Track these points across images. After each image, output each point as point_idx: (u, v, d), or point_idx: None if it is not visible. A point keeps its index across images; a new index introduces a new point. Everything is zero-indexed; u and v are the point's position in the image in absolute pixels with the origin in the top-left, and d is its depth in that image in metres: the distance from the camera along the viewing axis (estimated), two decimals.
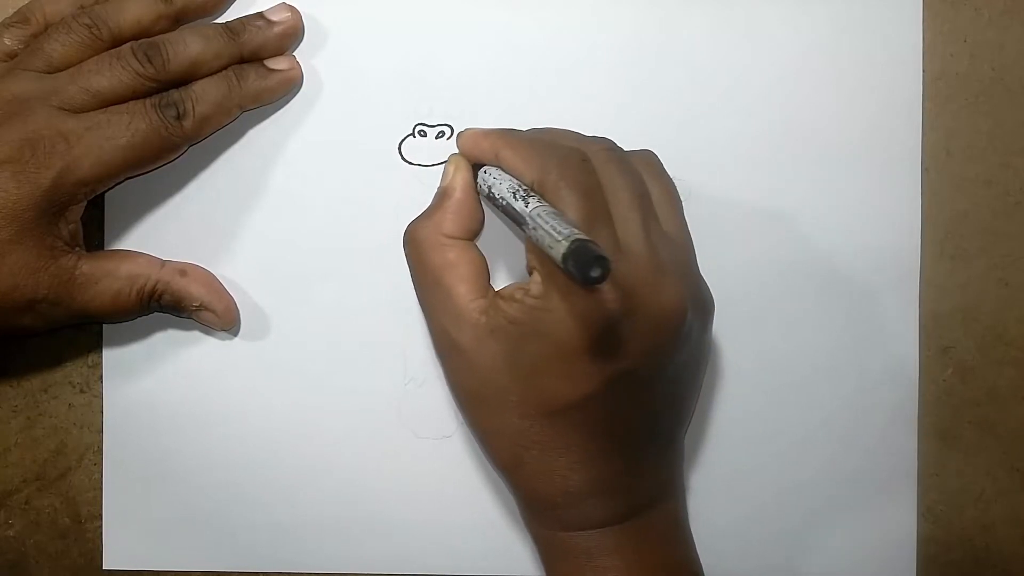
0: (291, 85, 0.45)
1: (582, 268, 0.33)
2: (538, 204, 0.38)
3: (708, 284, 0.41)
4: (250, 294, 0.46)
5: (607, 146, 0.41)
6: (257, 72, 0.44)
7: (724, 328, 0.46)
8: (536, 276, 0.39)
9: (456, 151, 0.44)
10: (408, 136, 0.46)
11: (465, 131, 0.43)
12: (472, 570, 0.47)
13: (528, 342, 0.39)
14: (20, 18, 0.44)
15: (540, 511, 0.42)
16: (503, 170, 0.41)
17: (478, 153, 0.42)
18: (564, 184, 0.38)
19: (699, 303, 0.40)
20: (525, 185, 0.40)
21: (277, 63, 0.45)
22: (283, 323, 0.46)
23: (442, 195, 0.43)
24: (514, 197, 0.39)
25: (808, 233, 0.46)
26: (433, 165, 0.46)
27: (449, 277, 0.41)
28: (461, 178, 0.43)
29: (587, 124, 0.45)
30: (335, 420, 0.46)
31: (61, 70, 0.42)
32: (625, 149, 0.42)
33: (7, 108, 0.41)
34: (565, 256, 0.34)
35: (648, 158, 0.42)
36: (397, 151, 0.46)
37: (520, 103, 0.46)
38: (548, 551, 0.42)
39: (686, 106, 0.46)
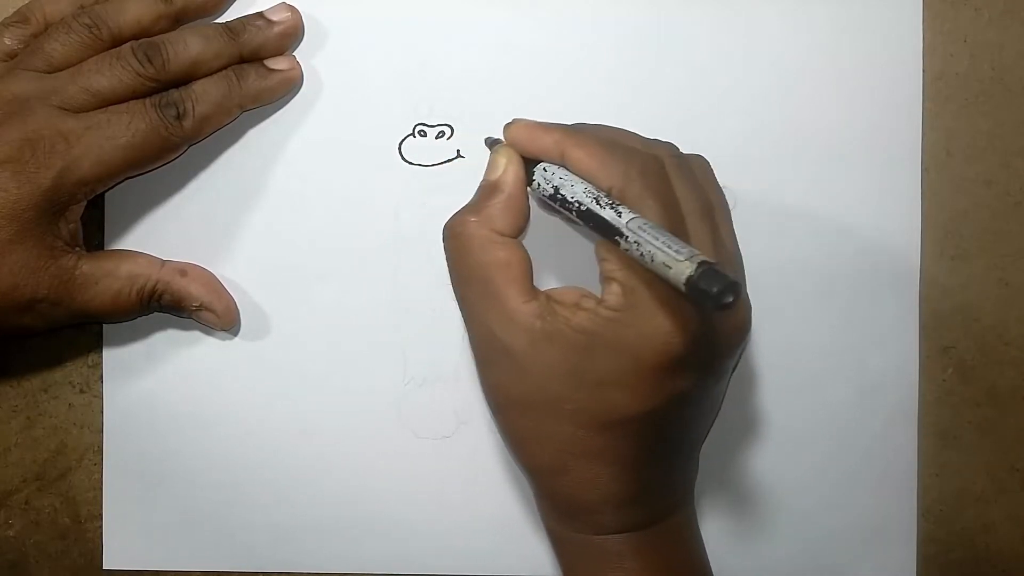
0: (291, 85, 0.45)
1: (716, 295, 0.33)
2: (633, 216, 0.37)
3: None
4: (250, 294, 0.46)
5: (674, 152, 0.40)
6: (257, 72, 0.44)
7: None
8: (615, 287, 0.38)
9: (501, 142, 0.42)
10: (408, 136, 0.46)
11: (517, 122, 0.41)
12: (472, 570, 0.47)
13: (598, 354, 0.38)
14: (20, 18, 0.44)
15: (572, 514, 0.42)
16: (569, 171, 0.40)
17: (536, 149, 0.40)
18: (649, 194, 0.37)
19: (750, 314, 0.41)
20: (602, 190, 0.38)
21: (277, 63, 0.45)
22: (283, 323, 0.46)
23: (492, 189, 0.40)
24: (597, 204, 0.38)
25: (808, 233, 0.46)
26: (433, 165, 0.46)
27: (500, 277, 0.39)
28: (513, 172, 0.40)
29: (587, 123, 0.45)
30: (335, 420, 0.46)
31: (61, 70, 0.42)
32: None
33: (7, 108, 0.41)
34: (691, 279, 0.33)
35: (704, 165, 0.42)
36: (397, 151, 0.46)
37: (520, 103, 0.46)
38: (572, 551, 0.42)
39: (686, 106, 0.46)
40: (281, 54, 0.45)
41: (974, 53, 0.46)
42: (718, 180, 0.42)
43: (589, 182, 0.39)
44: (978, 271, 0.47)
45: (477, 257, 0.40)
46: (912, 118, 0.46)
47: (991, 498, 0.47)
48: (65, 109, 0.41)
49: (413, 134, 0.46)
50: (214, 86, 0.43)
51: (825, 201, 0.46)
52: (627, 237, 0.37)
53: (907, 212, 0.46)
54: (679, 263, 0.34)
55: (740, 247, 0.41)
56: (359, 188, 0.46)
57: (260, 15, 0.45)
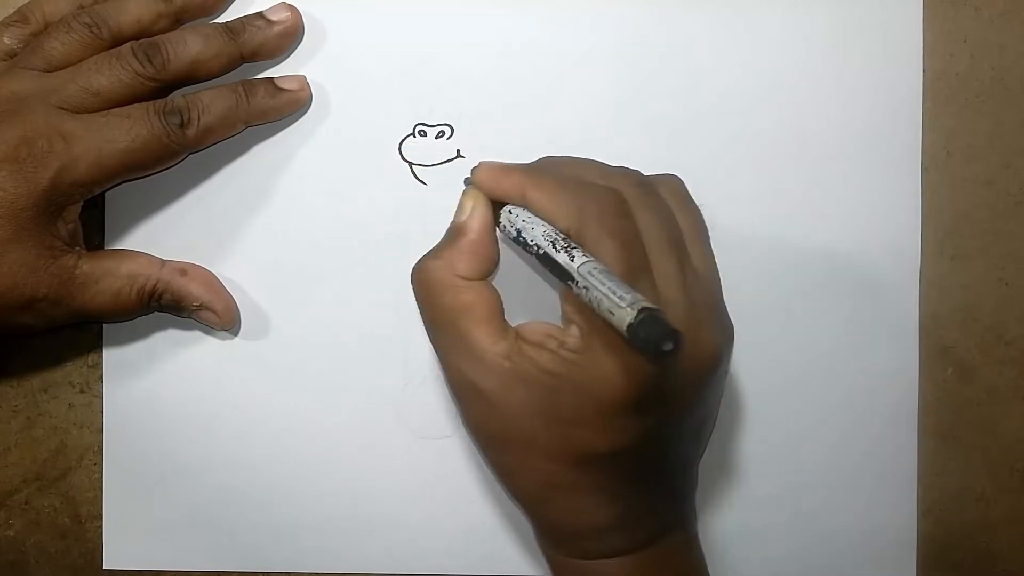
0: (299, 106, 0.45)
1: (655, 342, 0.33)
2: (585, 259, 0.37)
3: None
4: (250, 294, 0.46)
5: (638, 181, 0.39)
6: (267, 89, 0.44)
7: None
8: (574, 330, 0.38)
9: (471, 183, 0.41)
10: (408, 136, 0.46)
11: (482, 165, 0.40)
12: (471, 570, 0.47)
13: (564, 394, 0.38)
14: (20, 17, 0.44)
15: (561, 541, 0.41)
16: (531, 212, 0.39)
17: (500, 192, 0.40)
18: (605, 234, 0.37)
19: (729, 338, 0.40)
20: (561, 231, 0.38)
21: (287, 83, 0.45)
22: (283, 323, 0.46)
23: (456, 233, 0.40)
24: (553, 247, 0.38)
25: (808, 233, 0.46)
26: (433, 165, 0.46)
27: (465, 320, 0.39)
28: (479, 216, 0.40)
29: (587, 124, 0.46)
30: (335, 420, 0.46)
31: (61, 69, 0.42)
32: (649, 175, 0.40)
33: (5, 106, 0.41)
34: (632, 326, 0.33)
35: (674, 187, 0.41)
36: (397, 151, 0.46)
37: (520, 103, 0.46)
38: (566, 575, 0.42)
39: (686, 106, 0.46)
40: (280, 53, 0.45)
41: (974, 53, 0.46)
42: (694, 199, 0.41)
43: (549, 223, 0.39)
44: (978, 271, 0.47)
45: (442, 301, 0.39)
46: (912, 118, 0.46)
47: (991, 498, 0.47)
48: (64, 108, 0.41)
49: (413, 134, 0.46)
50: (222, 98, 0.43)
51: (825, 201, 0.46)
52: (577, 283, 0.37)
53: (907, 212, 0.46)
54: (621, 310, 0.34)
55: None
56: (359, 188, 0.46)
57: (260, 15, 0.45)
